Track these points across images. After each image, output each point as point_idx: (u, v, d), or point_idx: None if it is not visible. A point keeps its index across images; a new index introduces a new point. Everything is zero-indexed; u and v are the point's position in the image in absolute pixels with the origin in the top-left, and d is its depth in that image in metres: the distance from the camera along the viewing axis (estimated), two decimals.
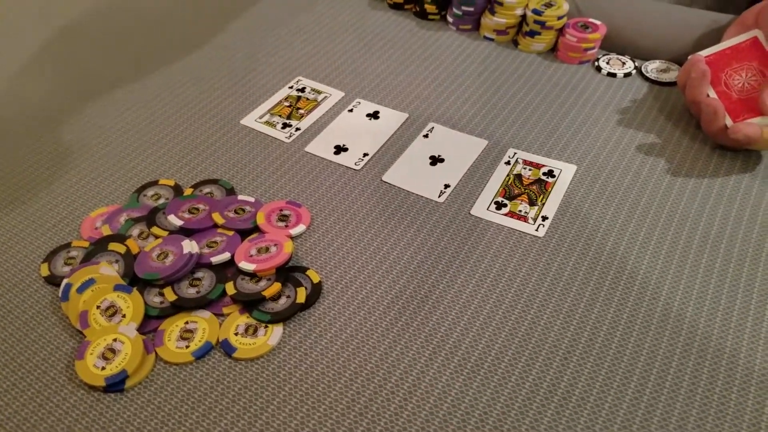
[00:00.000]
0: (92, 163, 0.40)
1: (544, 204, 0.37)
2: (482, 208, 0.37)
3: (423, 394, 0.28)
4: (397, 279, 0.33)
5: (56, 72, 0.49)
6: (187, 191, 0.37)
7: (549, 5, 0.50)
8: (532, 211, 0.37)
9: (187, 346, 0.29)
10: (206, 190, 0.37)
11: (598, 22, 0.49)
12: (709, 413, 0.27)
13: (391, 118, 0.44)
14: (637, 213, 0.37)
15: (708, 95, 0.40)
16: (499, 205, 0.37)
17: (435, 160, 0.41)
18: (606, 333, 0.30)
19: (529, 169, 0.39)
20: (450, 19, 0.53)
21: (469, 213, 0.37)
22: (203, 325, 0.30)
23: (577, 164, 0.40)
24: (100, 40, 0.53)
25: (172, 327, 0.30)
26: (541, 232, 0.35)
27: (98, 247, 0.33)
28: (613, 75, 0.48)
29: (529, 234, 0.35)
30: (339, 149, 0.41)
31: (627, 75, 0.48)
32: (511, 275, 0.33)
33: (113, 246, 0.32)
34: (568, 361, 0.29)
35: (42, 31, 0.54)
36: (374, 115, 0.44)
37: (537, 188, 0.38)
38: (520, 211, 0.37)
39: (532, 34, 0.50)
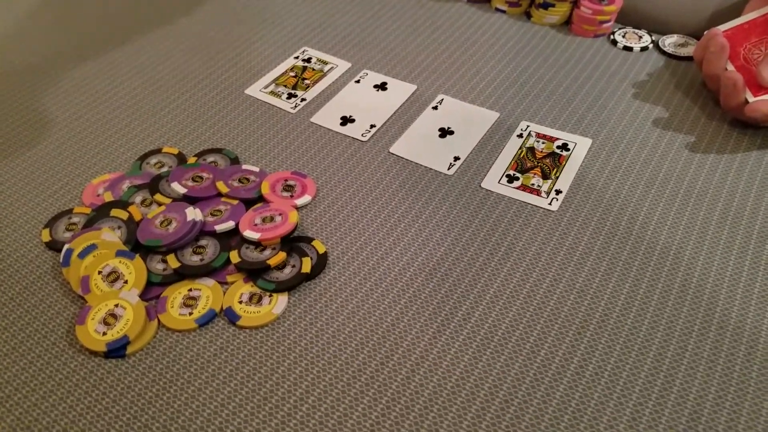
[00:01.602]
0: (95, 130, 0.39)
1: (558, 177, 0.35)
2: (493, 181, 0.35)
3: (431, 366, 0.27)
4: (405, 251, 0.32)
5: (59, 35, 0.47)
6: (191, 160, 0.36)
7: None
8: (546, 185, 0.35)
9: (191, 313, 0.28)
10: (210, 159, 0.36)
11: None
12: (729, 390, 0.26)
13: (399, 90, 0.42)
14: (654, 188, 0.35)
15: (726, 69, 0.38)
16: (511, 179, 0.35)
17: (444, 132, 0.39)
18: (621, 308, 0.29)
19: (543, 143, 0.38)
20: None
21: (480, 186, 0.35)
22: (207, 292, 0.29)
23: (592, 138, 0.38)
24: (103, 3, 0.51)
25: (175, 294, 0.29)
26: (555, 206, 0.34)
27: (100, 213, 0.31)
28: (629, 49, 0.46)
29: (542, 208, 0.34)
30: (345, 120, 0.40)
31: (643, 49, 0.46)
32: (522, 248, 0.32)
33: (115, 212, 0.31)
34: (580, 336, 0.28)
35: None
36: (382, 87, 0.43)
37: (550, 162, 0.37)
38: (533, 184, 0.35)
39: (545, 6, 0.48)
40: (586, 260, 0.31)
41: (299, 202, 0.34)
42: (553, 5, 0.47)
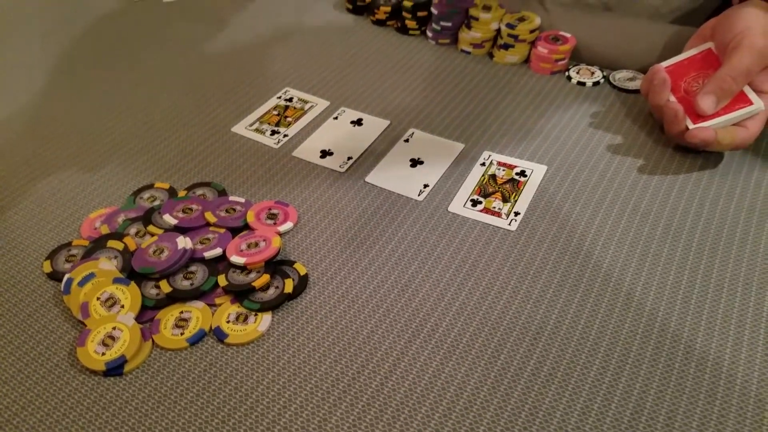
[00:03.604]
0: (91, 168, 0.44)
1: (516, 201, 0.41)
2: (459, 205, 0.41)
3: (403, 373, 0.31)
4: (378, 271, 0.36)
5: (52, 78, 0.53)
6: (181, 193, 0.40)
7: (522, 20, 0.55)
8: (506, 207, 0.40)
9: (182, 333, 0.32)
10: (199, 191, 0.41)
11: (568, 35, 0.55)
12: (668, 387, 0.30)
13: (374, 125, 0.48)
14: (603, 208, 0.41)
15: (669, 100, 0.44)
16: (475, 203, 0.41)
17: (415, 163, 0.44)
18: (572, 316, 0.34)
19: (503, 170, 0.44)
20: (429, 34, 0.58)
21: (447, 210, 0.40)
22: (197, 314, 0.33)
23: (548, 165, 0.44)
24: (94, 48, 0.57)
25: (168, 316, 0.33)
26: (514, 226, 0.39)
27: (98, 245, 0.36)
28: (583, 84, 0.53)
29: (502, 228, 0.39)
30: (325, 153, 0.45)
31: (596, 84, 0.53)
32: (485, 265, 0.37)
33: (112, 243, 0.36)
34: (536, 341, 0.33)
35: (38, 33, 0.58)
36: (358, 122, 0.49)
37: (510, 187, 0.42)
38: (494, 207, 0.40)
39: (506, 46, 0.55)
40: (540, 274, 0.36)
41: (282, 228, 0.38)
42: (512, 46, 0.54)
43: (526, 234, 0.39)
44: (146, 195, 0.41)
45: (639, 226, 0.39)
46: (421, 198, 0.42)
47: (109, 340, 0.31)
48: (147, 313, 0.33)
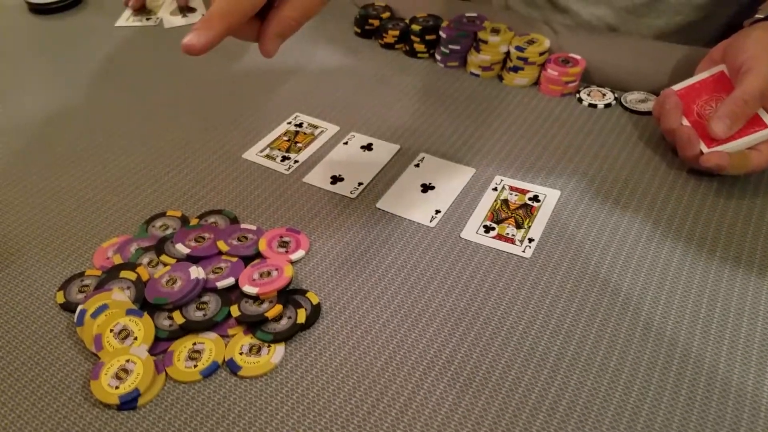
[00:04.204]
0: (103, 197, 0.45)
1: (530, 227, 0.42)
2: (472, 231, 0.41)
3: (418, 407, 0.31)
4: (392, 299, 0.37)
5: (67, 112, 0.55)
6: (193, 221, 0.42)
7: (531, 42, 0.56)
8: (519, 234, 0.41)
9: (195, 365, 0.32)
10: (211, 219, 0.42)
11: (578, 57, 0.56)
12: (691, 418, 0.30)
13: (384, 150, 0.49)
14: (619, 234, 0.41)
15: (681, 124, 0.45)
16: (488, 229, 0.41)
17: (426, 188, 0.45)
18: (591, 346, 0.34)
19: (516, 195, 0.44)
20: (438, 57, 0.60)
21: (459, 236, 0.41)
22: (210, 345, 0.33)
23: (561, 189, 0.45)
24: (104, 78, 0.59)
25: (181, 348, 0.33)
26: (528, 253, 0.40)
27: (110, 275, 0.37)
28: (594, 106, 0.54)
29: (516, 255, 0.40)
30: (335, 179, 0.46)
31: (607, 106, 0.54)
32: (500, 293, 0.37)
33: (124, 273, 0.37)
34: (555, 373, 0.33)
35: (50, 71, 0.61)
36: (368, 147, 0.50)
37: (523, 212, 0.43)
38: (508, 233, 0.41)
39: (515, 69, 0.56)
40: (557, 303, 0.37)
41: (294, 256, 0.39)
42: (522, 68, 0.56)
43: (541, 261, 0.39)
44: (158, 223, 0.42)
45: (656, 252, 0.40)
46: (433, 224, 0.42)
47: (122, 373, 0.32)
48: (160, 345, 0.34)
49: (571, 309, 0.36)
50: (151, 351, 0.33)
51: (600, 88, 0.56)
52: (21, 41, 0.67)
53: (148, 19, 0.70)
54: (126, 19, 0.70)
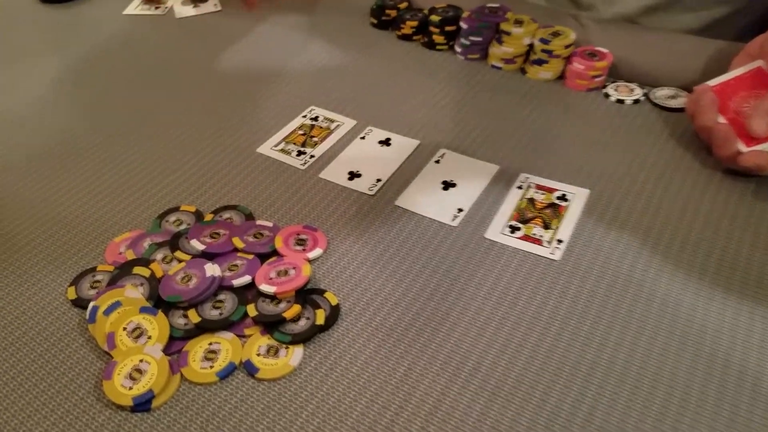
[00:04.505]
0: (114, 190, 0.44)
1: (558, 227, 0.40)
2: (496, 231, 0.40)
3: (444, 417, 0.30)
4: (414, 301, 0.36)
5: (73, 103, 0.54)
6: (208, 217, 0.41)
7: (556, 34, 0.55)
8: (547, 234, 0.40)
9: (211, 366, 0.32)
10: (226, 215, 0.41)
11: (605, 50, 0.54)
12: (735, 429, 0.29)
13: (403, 145, 0.48)
14: (652, 236, 0.40)
15: (717, 121, 0.44)
16: (513, 229, 0.40)
17: (447, 185, 0.44)
18: (626, 356, 0.33)
19: (542, 194, 0.43)
20: (458, 49, 0.58)
21: (483, 236, 0.40)
22: (226, 345, 0.33)
23: (590, 188, 0.43)
24: (113, 72, 0.58)
25: (197, 348, 0.33)
26: (557, 255, 0.38)
27: (123, 271, 0.36)
28: (622, 102, 0.53)
29: (544, 257, 0.38)
30: (353, 175, 0.45)
31: (636, 102, 0.52)
32: (528, 297, 0.36)
33: (138, 270, 0.36)
34: (588, 384, 0.31)
35: (59, 62, 0.60)
36: (386, 142, 0.48)
37: (551, 212, 0.41)
38: (535, 234, 0.40)
39: (539, 62, 0.55)
40: (589, 308, 0.35)
41: (311, 255, 0.38)
42: (546, 62, 0.54)
43: (570, 264, 0.38)
44: (172, 218, 0.41)
45: (691, 256, 0.38)
46: (455, 223, 0.41)
47: (136, 373, 0.31)
48: (175, 344, 0.33)
49: (604, 315, 0.35)
50: (166, 350, 0.32)
51: (627, 83, 0.55)
52: (29, 31, 0.67)
53: (156, 8, 0.69)
54: (135, 8, 0.69)
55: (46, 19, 0.68)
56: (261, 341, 0.33)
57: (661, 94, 0.54)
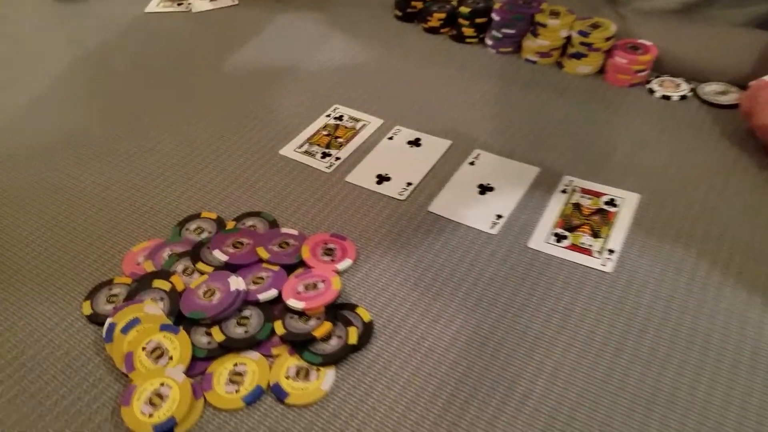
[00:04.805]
0: (130, 195, 0.42)
1: (608, 235, 0.37)
2: (540, 240, 0.37)
3: None
4: (453, 318, 0.33)
5: (87, 98, 0.52)
6: (230, 224, 0.38)
7: (595, 26, 0.51)
8: (597, 244, 0.36)
9: (237, 390, 0.29)
10: (249, 223, 0.38)
11: (648, 43, 0.50)
12: None
13: (434, 146, 0.45)
14: (710, 244, 0.36)
15: None
16: (560, 237, 0.37)
17: (484, 189, 0.41)
18: (691, 379, 0.29)
19: (589, 198, 0.39)
20: (489, 42, 0.55)
21: (526, 246, 0.37)
22: (253, 367, 0.30)
23: (640, 192, 0.40)
24: (132, 70, 0.56)
25: (221, 369, 0.30)
26: (609, 267, 0.35)
27: (142, 284, 0.33)
28: (668, 98, 0.49)
29: (595, 269, 0.35)
30: (381, 179, 0.42)
31: (682, 98, 0.49)
32: (580, 315, 0.33)
33: (157, 283, 0.33)
34: (650, 411, 0.28)
35: (72, 59, 0.58)
36: (415, 143, 0.45)
37: (599, 219, 0.38)
38: (583, 243, 0.36)
39: (578, 56, 0.51)
40: (647, 326, 0.32)
41: (340, 266, 0.35)
42: (585, 55, 0.50)
43: (624, 276, 0.34)
44: (192, 226, 0.38)
45: (755, 267, 0.34)
46: (494, 231, 0.38)
47: (156, 398, 0.28)
48: (197, 365, 0.30)
49: (664, 334, 0.31)
50: (188, 372, 0.29)
51: (673, 78, 0.51)
52: (47, 28, 0.64)
53: (179, 5, 0.66)
54: (157, 5, 0.67)
55: (63, 15, 0.66)
56: (290, 362, 0.30)
57: (710, 89, 0.50)
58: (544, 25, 0.51)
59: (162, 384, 0.29)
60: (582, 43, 0.50)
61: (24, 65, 0.57)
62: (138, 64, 0.56)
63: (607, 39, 0.50)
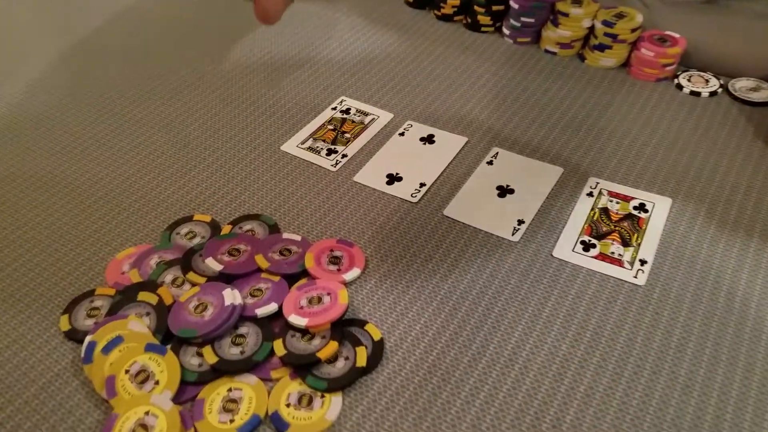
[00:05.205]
0: (117, 195, 0.37)
1: (640, 244, 0.33)
2: (566, 249, 0.33)
3: None
4: (474, 336, 0.29)
5: (76, 88, 0.47)
6: (226, 229, 0.34)
7: (620, 16, 0.47)
8: (627, 254, 0.33)
9: (232, 420, 0.25)
10: (247, 227, 0.34)
11: (676, 35, 0.46)
12: None
13: (449, 143, 0.41)
14: (750, 254, 0.33)
15: None
16: (587, 246, 0.33)
17: (504, 191, 0.37)
18: (735, 404, 0.26)
19: (617, 202, 0.36)
20: (506, 31, 0.51)
21: (551, 255, 0.33)
22: (249, 393, 0.27)
23: (671, 196, 0.36)
24: (120, 54, 0.51)
25: (213, 395, 0.26)
26: (642, 279, 0.31)
27: (126, 297, 0.30)
28: (697, 94, 0.45)
29: (627, 281, 0.31)
30: (392, 179, 0.39)
31: (712, 94, 0.45)
32: (612, 333, 0.29)
33: (143, 295, 0.29)
34: None
35: (52, 39, 0.53)
36: (429, 139, 0.42)
37: (629, 225, 0.34)
38: (613, 252, 0.33)
39: (601, 47, 0.47)
40: (685, 346, 0.28)
41: (347, 276, 0.32)
42: (609, 47, 0.46)
43: (658, 290, 0.31)
44: (184, 230, 0.34)
45: None
46: (515, 238, 0.34)
47: (140, 429, 0.25)
48: (187, 390, 0.26)
49: (704, 355, 0.28)
50: (176, 399, 0.26)
51: (702, 73, 0.47)
52: (29, 14, 0.60)
53: None
54: None
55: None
56: (291, 387, 0.27)
57: (741, 85, 0.46)
58: (565, 14, 0.47)
59: (147, 413, 0.25)
60: (606, 34, 0.46)
61: (8, 53, 0.52)
62: (128, 52, 0.51)
63: (633, 30, 0.46)
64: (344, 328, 0.29)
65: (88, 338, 0.28)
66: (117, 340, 0.27)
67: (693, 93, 0.45)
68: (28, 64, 0.50)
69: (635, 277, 0.31)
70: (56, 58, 0.51)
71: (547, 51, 0.49)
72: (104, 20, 0.56)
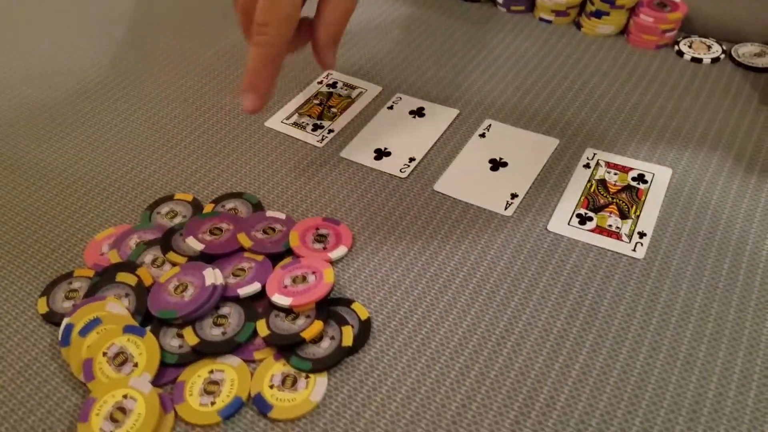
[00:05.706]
0: (96, 175, 0.36)
1: (639, 216, 0.32)
2: (562, 222, 0.31)
3: None
4: (465, 313, 0.28)
5: (51, 62, 0.45)
6: (208, 207, 0.32)
7: None
8: (626, 226, 0.31)
9: (213, 403, 0.24)
10: (229, 205, 0.33)
11: (677, 0, 0.44)
12: None
13: (439, 115, 0.39)
14: (754, 225, 0.31)
15: None
16: (583, 219, 0.32)
17: (496, 164, 0.35)
18: (739, 381, 0.25)
19: (615, 173, 0.34)
20: (500, 0, 0.48)
21: (546, 229, 0.31)
22: (231, 374, 0.25)
23: (672, 167, 0.34)
24: (98, 25, 0.49)
25: (194, 377, 0.25)
26: (640, 253, 0.30)
27: (105, 278, 0.28)
28: (699, 60, 0.42)
29: (625, 255, 0.30)
30: (380, 154, 0.37)
31: (715, 60, 0.42)
32: (608, 309, 0.28)
33: (122, 276, 0.28)
34: (695, 423, 0.24)
35: (30, 9, 0.51)
36: (418, 113, 0.40)
37: (627, 197, 0.33)
38: (610, 225, 0.31)
39: (598, 14, 0.44)
40: (686, 323, 0.27)
41: (333, 255, 0.30)
42: (607, 14, 0.44)
43: (658, 264, 0.29)
44: (165, 209, 0.33)
45: None
46: (509, 212, 0.32)
47: (118, 413, 0.24)
48: (167, 372, 0.25)
49: (706, 331, 0.26)
50: (156, 382, 0.25)
51: (703, 39, 0.44)
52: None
53: None
54: None
55: None
56: (274, 368, 0.25)
57: (746, 51, 0.43)
58: None
59: (125, 396, 0.24)
60: (603, 0, 0.44)
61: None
62: (106, 27, 0.49)
63: None
64: (330, 308, 0.28)
65: (65, 320, 0.26)
66: (95, 322, 0.26)
67: (694, 60, 0.42)
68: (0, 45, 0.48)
69: (634, 250, 0.30)
70: (32, 31, 0.48)
71: (541, 19, 0.46)
72: None
